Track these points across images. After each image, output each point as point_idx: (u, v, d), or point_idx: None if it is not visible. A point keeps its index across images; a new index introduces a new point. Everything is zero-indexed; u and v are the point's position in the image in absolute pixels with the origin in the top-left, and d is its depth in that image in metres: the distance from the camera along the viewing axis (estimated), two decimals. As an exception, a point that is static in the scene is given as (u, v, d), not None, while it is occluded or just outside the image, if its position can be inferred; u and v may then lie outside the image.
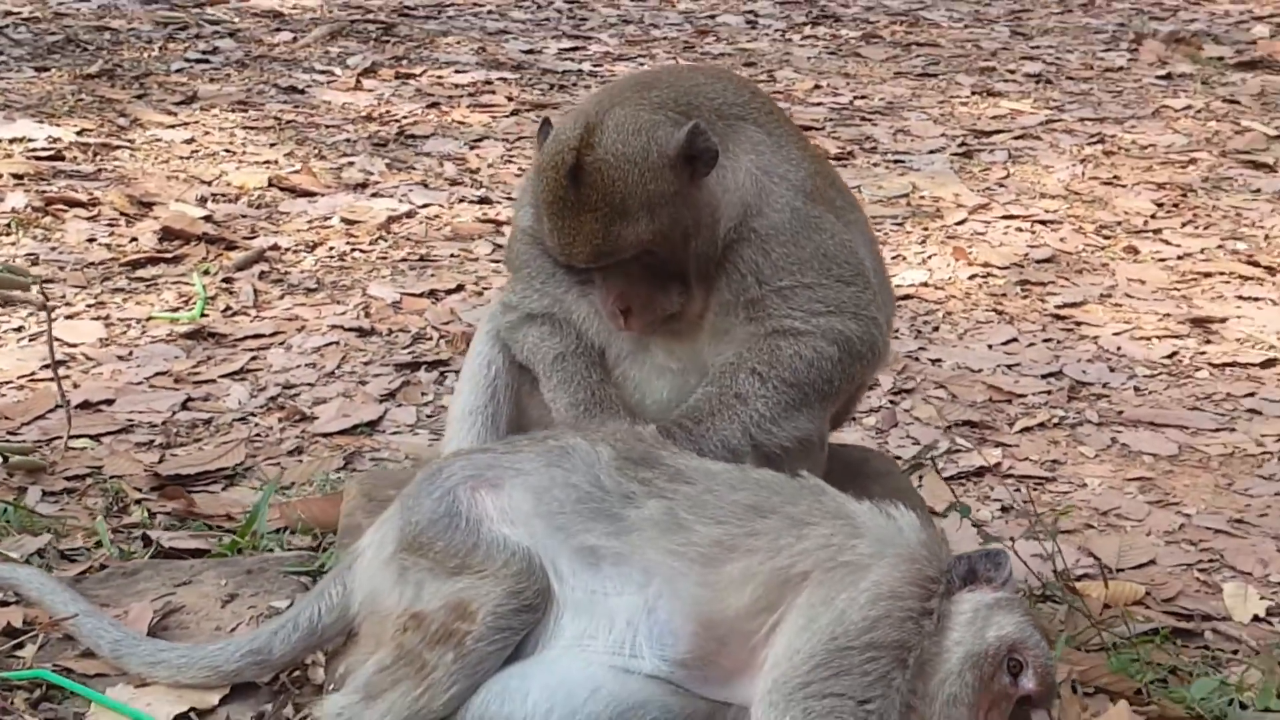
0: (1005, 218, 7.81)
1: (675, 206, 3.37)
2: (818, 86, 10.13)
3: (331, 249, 7.06)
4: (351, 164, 8.21)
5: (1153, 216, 7.87)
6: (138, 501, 4.56)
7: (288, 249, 7.02)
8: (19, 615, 3.54)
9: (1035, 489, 5.08)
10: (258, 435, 5.25)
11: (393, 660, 2.88)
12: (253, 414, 5.42)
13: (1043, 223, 7.75)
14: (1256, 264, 7.18)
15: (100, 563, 3.99)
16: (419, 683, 2.84)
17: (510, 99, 9.59)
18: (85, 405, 5.30)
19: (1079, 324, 6.57)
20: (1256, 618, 4.36)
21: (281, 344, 6.03)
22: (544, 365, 3.65)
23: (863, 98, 9.98)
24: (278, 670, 3.34)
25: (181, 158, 8.06)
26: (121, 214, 7.21)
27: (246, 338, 6.06)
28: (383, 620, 2.98)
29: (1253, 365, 6.16)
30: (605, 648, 2.87)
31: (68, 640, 3.47)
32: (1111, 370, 6.11)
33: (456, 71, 10.14)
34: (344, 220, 7.37)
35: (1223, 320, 6.59)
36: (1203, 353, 6.29)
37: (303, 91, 9.52)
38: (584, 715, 2.79)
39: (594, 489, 2.99)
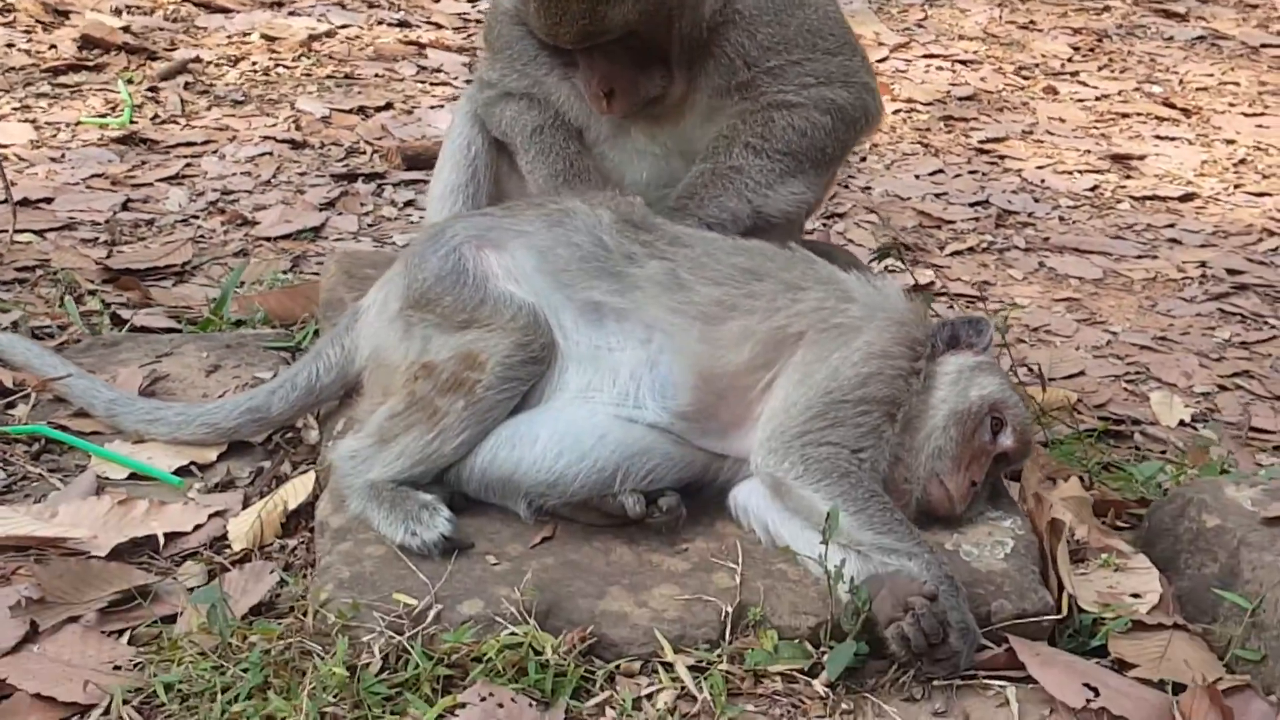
0: (926, 57, 7.91)
1: None
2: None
3: (255, 64, 6.95)
4: (266, -18, 8.04)
5: (1069, 60, 8.03)
6: (91, 292, 4.52)
7: (210, 62, 6.90)
8: (8, 377, 3.52)
9: (968, 308, 5.24)
10: (201, 236, 5.21)
11: (405, 407, 2.93)
12: (194, 217, 5.37)
13: (963, 62, 7.86)
14: (1172, 106, 7.38)
15: (75, 337, 3.97)
16: (431, 427, 2.90)
17: (423, -73, 9.40)
18: (25, 202, 5.21)
19: (1002, 158, 6.73)
20: (1182, 423, 4.59)
21: (215, 152, 5.96)
22: (522, 137, 3.68)
23: (782, -61, 9.92)
24: (274, 428, 3.40)
25: (91, -32, 7.82)
26: (38, 21, 7.03)
27: (179, 145, 5.98)
28: (391, 372, 3.02)
29: (1172, 199, 6.37)
30: (610, 399, 2.95)
31: (59, 402, 3.47)
32: (1036, 201, 6.28)
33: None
34: (264, 37, 7.25)
35: (1141, 157, 6.78)
36: (1123, 186, 6.48)
37: (205, -90, 9.23)
38: (591, 459, 2.87)
39: (596, 248, 3.05)
